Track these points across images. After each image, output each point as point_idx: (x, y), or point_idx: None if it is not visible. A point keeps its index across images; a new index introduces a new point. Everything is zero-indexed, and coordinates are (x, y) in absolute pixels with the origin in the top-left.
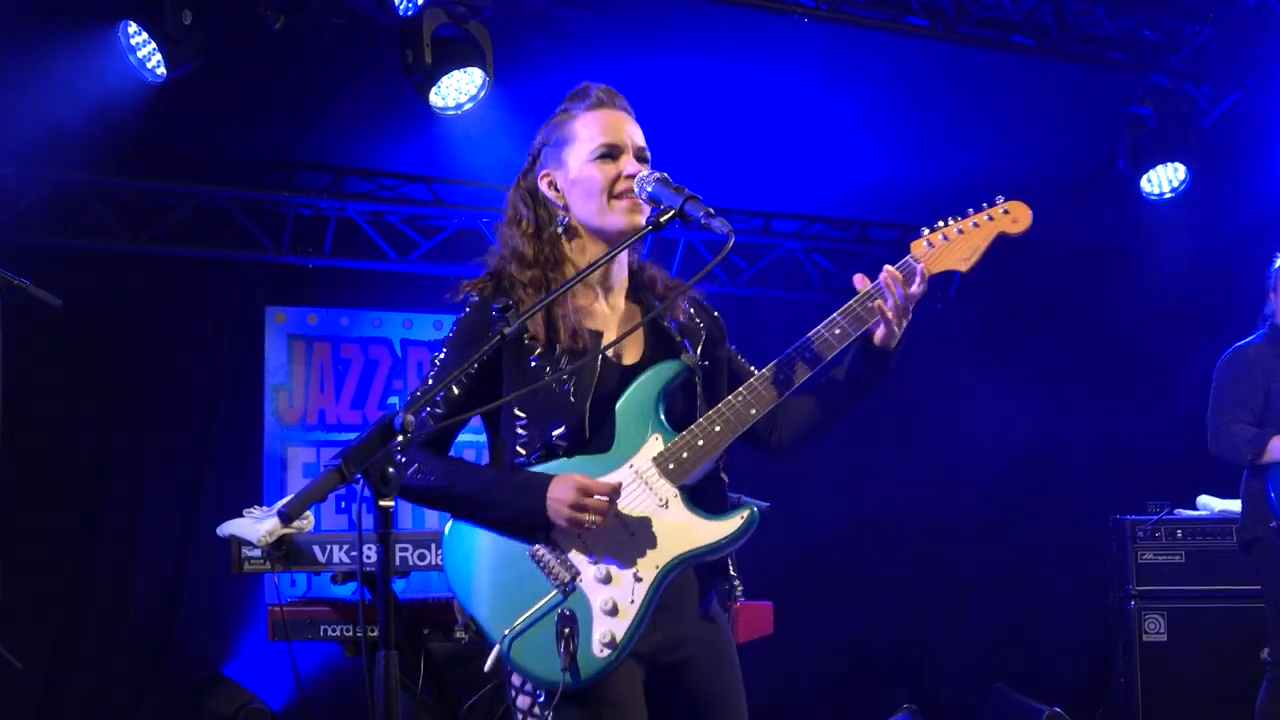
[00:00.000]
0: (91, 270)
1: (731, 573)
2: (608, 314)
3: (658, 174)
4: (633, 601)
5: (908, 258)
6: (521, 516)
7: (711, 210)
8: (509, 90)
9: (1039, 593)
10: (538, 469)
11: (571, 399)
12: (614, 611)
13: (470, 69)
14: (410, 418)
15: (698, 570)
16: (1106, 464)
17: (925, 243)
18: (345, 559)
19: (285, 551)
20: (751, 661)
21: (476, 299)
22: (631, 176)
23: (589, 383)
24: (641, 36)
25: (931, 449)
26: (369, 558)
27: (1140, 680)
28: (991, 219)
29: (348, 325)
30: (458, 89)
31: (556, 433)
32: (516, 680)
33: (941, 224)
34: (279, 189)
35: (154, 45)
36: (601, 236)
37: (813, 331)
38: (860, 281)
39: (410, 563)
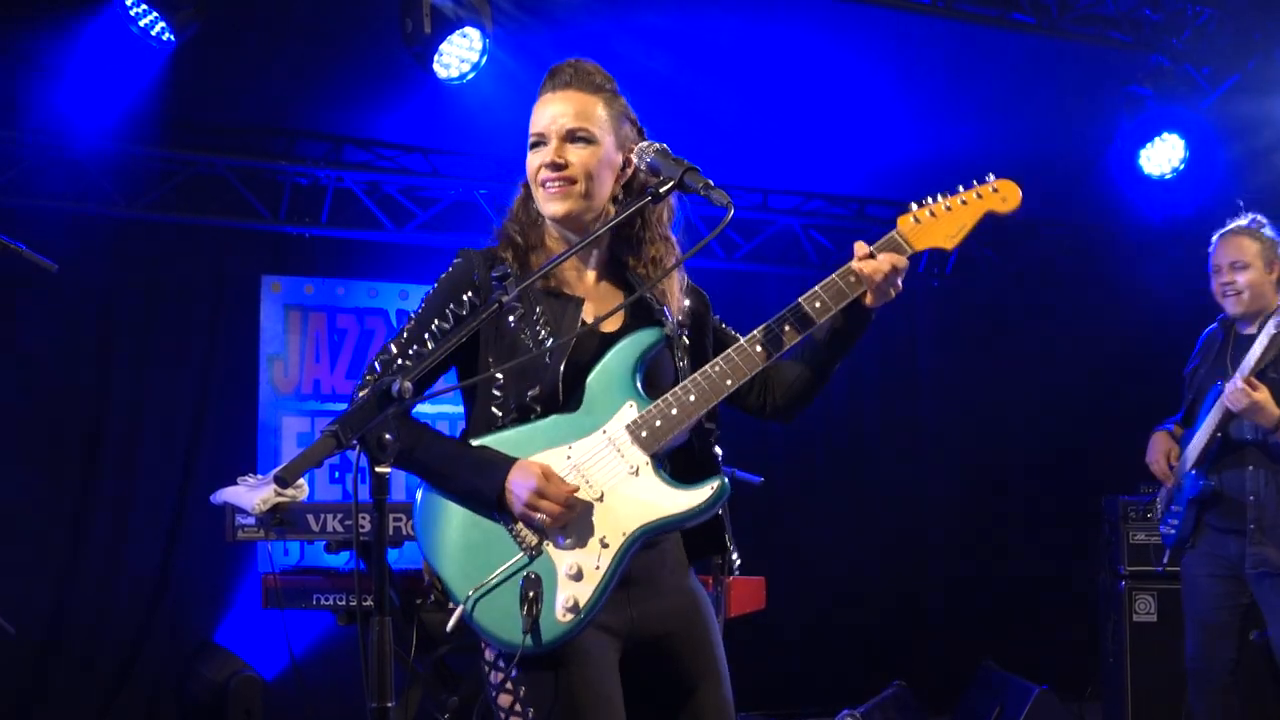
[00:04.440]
0: (88, 236)
1: (729, 545)
2: (587, 284)
3: (657, 145)
4: (598, 567)
5: (892, 233)
6: (476, 494)
7: (710, 182)
8: (507, 62)
9: (1030, 571)
10: (512, 431)
11: (547, 359)
12: (579, 576)
13: (468, 29)
14: (408, 384)
15: (676, 543)
16: (1099, 443)
17: (912, 218)
18: (339, 528)
19: (279, 520)
20: (742, 637)
21: (461, 260)
22: (546, 165)
23: (566, 346)
24: (640, 7)
25: (926, 426)
26: (364, 526)
27: (1130, 660)
28: (980, 197)
29: (343, 295)
30: (459, 56)
31: (531, 394)
32: (490, 655)
33: (930, 200)
34: (277, 157)
35: (156, 14)
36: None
37: (793, 303)
38: (860, 249)
39: (404, 532)
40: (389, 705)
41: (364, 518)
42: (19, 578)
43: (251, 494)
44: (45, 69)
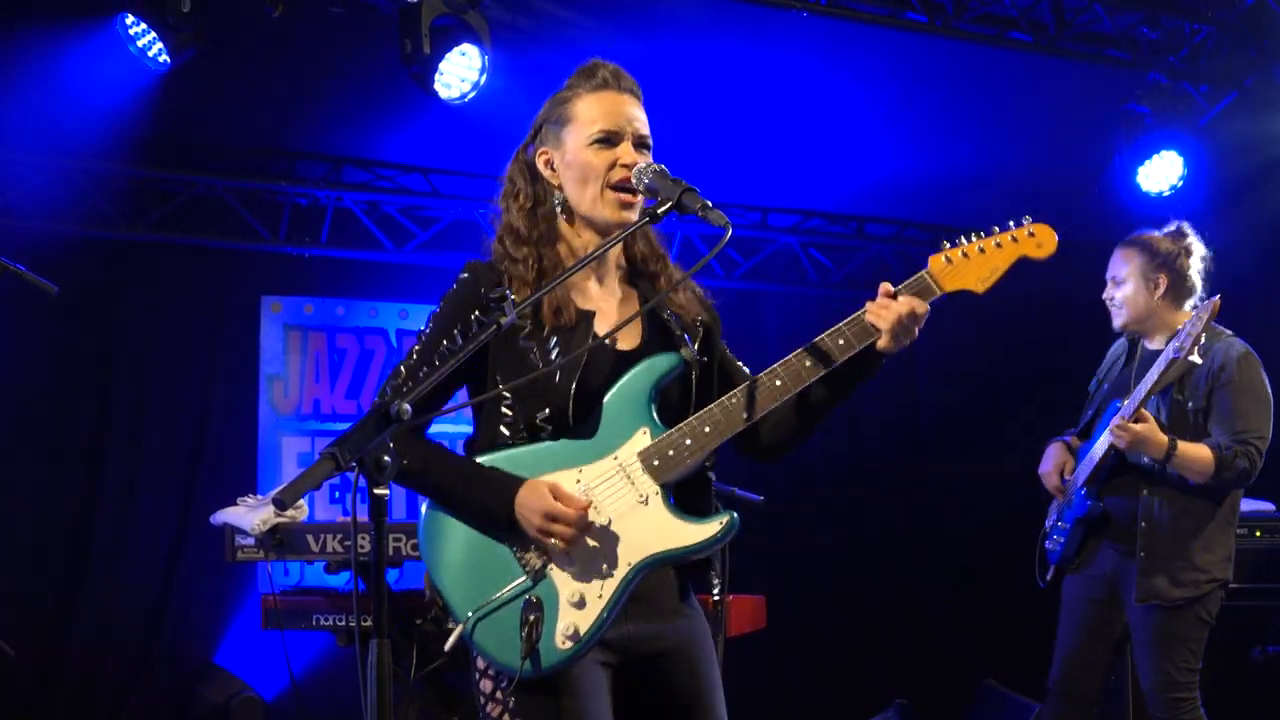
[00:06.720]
0: (88, 257)
1: (713, 568)
2: (600, 294)
3: (656, 166)
4: (600, 596)
5: (922, 273)
6: (487, 514)
7: (708, 203)
8: (506, 81)
9: (1030, 589)
10: (521, 449)
11: (558, 380)
12: (581, 604)
13: (467, 46)
14: (406, 406)
15: (676, 564)
16: None
17: (944, 258)
18: (339, 548)
19: (279, 540)
20: (743, 655)
21: (467, 276)
22: (628, 167)
23: (577, 365)
24: (640, 28)
25: (925, 445)
26: (363, 547)
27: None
28: (1015, 240)
29: (343, 315)
30: (460, 75)
31: (541, 415)
32: (481, 664)
33: (963, 240)
34: (276, 178)
35: (154, 35)
36: (591, 225)
37: (816, 339)
38: (885, 289)
39: (404, 553)
40: None
41: (363, 538)
42: (19, 599)
43: (251, 514)
44: (44, 90)
